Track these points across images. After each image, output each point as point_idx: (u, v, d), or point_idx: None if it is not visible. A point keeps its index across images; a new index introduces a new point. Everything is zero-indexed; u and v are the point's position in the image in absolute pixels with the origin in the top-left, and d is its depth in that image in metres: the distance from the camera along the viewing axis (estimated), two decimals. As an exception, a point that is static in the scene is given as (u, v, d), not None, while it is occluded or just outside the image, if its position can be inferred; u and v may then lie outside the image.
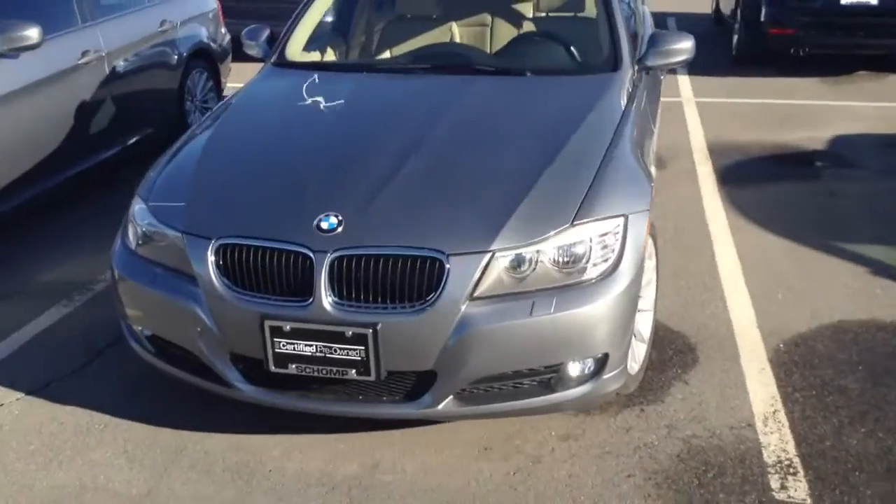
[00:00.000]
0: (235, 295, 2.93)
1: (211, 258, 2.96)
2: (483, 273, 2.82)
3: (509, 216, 2.92)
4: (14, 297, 4.40)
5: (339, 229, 2.90)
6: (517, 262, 2.86)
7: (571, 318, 2.87)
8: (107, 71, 5.38)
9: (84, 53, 5.19)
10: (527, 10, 4.73)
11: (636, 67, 4.05)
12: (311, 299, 2.85)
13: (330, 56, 4.59)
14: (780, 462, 3.08)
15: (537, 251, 2.87)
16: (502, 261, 2.85)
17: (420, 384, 2.93)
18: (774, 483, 2.98)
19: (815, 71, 9.02)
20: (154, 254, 3.18)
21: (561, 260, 2.89)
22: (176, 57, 6.15)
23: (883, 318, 4.06)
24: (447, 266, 2.80)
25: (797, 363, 3.69)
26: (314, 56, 4.49)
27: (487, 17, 4.71)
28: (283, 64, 4.32)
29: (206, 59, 6.59)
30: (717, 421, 3.31)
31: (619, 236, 2.99)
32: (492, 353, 2.85)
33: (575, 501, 2.91)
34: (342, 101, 3.76)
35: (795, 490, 2.95)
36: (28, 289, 4.50)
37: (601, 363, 2.99)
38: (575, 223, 2.94)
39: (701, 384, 3.55)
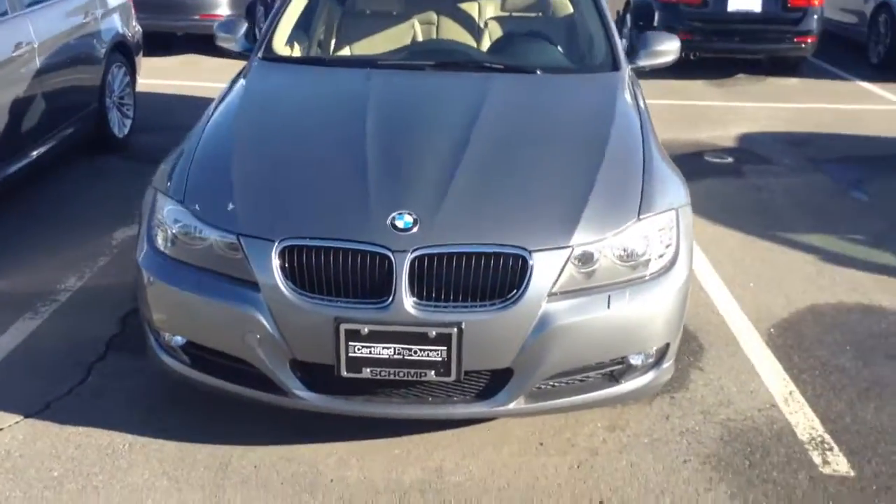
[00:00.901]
0: (305, 299, 2.79)
1: (276, 261, 2.81)
2: (562, 269, 2.83)
3: (581, 212, 2.94)
4: (-32, 312, 4.01)
5: (416, 228, 2.83)
6: (588, 258, 2.88)
7: (643, 310, 2.93)
8: (37, 65, 4.97)
9: (17, 46, 4.77)
10: (499, 8, 4.77)
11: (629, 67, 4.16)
12: (390, 300, 2.76)
13: (316, 51, 4.45)
14: (814, 439, 3.26)
15: (608, 246, 2.91)
16: (577, 256, 2.87)
17: (494, 382, 2.90)
18: (816, 459, 3.15)
19: (700, 74, 9.55)
20: (192, 257, 2.98)
21: (627, 254, 2.94)
22: (99, 50, 5.76)
23: (848, 301, 4.37)
24: (530, 262, 2.79)
25: (793, 346, 3.91)
26: (300, 51, 4.34)
27: (474, 9, 4.70)
28: (272, 58, 4.15)
29: (124, 53, 6.21)
30: (743, 404, 3.46)
31: (674, 229, 3.07)
32: (569, 349, 2.86)
33: (646, 490, 2.97)
34: (362, 96, 3.65)
35: (837, 464, 3.13)
36: (-19, 302, 4.11)
37: (661, 353, 3.07)
38: (640, 217, 3.00)
39: (716, 370, 3.70)
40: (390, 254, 2.77)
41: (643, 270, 2.96)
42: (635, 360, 3.02)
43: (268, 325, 2.82)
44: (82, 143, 5.81)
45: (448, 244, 2.80)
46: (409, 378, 2.83)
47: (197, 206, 3.02)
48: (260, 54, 4.16)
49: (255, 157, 3.24)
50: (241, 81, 3.95)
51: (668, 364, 3.11)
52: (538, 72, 4.00)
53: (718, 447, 3.19)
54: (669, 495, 2.94)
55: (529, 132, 3.44)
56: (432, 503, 2.88)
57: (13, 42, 4.76)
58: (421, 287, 2.78)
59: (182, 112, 6.89)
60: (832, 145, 7.11)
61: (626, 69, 4.08)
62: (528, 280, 2.79)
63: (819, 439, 3.26)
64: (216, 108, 3.72)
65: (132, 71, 6.40)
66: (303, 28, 4.38)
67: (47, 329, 3.89)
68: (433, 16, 4.66)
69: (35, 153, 5.07)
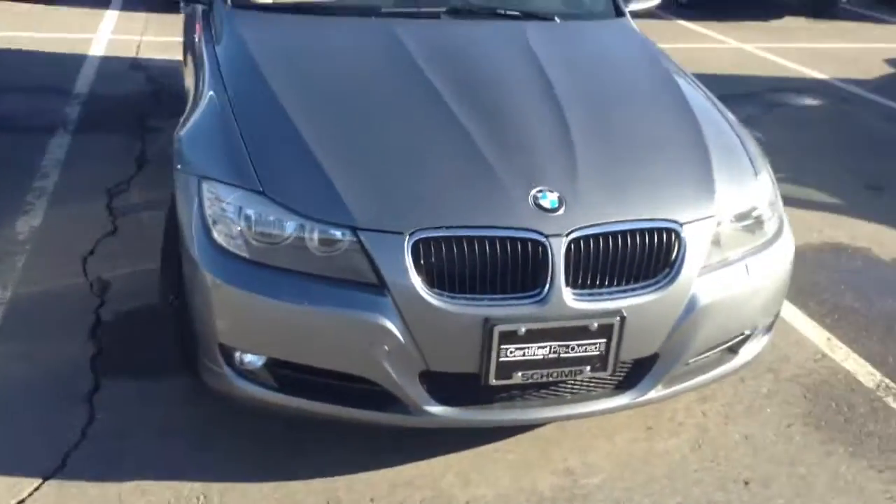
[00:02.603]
0: (446, 300, 2.37)
1: (409, 258, 2.35)
2: (709, 241, 2.60)
3: (712, 175, 2.72)
4: None
5: (563, 207, 2.47)
6: (723, 225, 2.68)
7: (773, 274, 2.79)
8: None
9: None
10: None
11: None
12: (546, 292, 2.40)
13: None
14: (879, 385, 3.31)
15: (735, 210, 2.71)
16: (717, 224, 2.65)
17: (636, 371, 2.64)
18: (893, 405, 3.20)
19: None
20: (274, 256, 2.44)
21: (752, 218, 2.76)
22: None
23: (816, 242, 4.50)
24: (683, 236, 2.54)
25: (800, 291, 3.95)
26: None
27: None
28: (245, 5, 3.50)
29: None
30: (799, 357, 3.45)
31: (775, 184, 2.95)
32: (714, 327, 2.66)
33: (777, 462, 2.86)
34: (402, 51, 3.14)
35: (914, 407, 3.20)
36: None
37: (773, 320, 2.95)
38: (757, 176, 2.84)
39: (754, 325, 3.66)
40: (544, 239, 2.41)
41: (761, 234, 2.80)
42: (754, 330, 2.88)
43: (399, 334, 2.37)
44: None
45: (602, 223, 2.48)
46: (562, 378, 2.50)
47: (288, 196, 2.45)
48: (228, 1, 3.48)
49: (332, 132, 2.69)
50: (226, 34, 3.29)
51: (772, 331, 2.99)
52: (556, 19, 3.67)
53: (809, 406, 3.15)
54: (802, 466, 2.85)
55: (605, 88, 3.17)
56: (584, 511, 2.60)
57: None
58: (577, 274, 2.44)
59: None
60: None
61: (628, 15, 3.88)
62: (682, 256, 2.53)
63: (883, 385, 3.31)
64: (215, 71, 3.07)
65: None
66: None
67: (6, 359, 3.09)
68: None
69: None
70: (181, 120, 3.03)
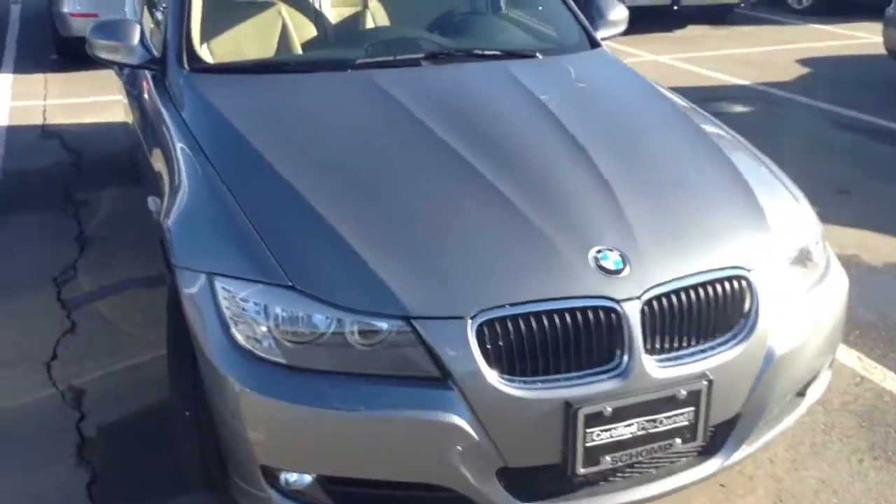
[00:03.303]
0: (520, 385, 2.09)
1: (474, 343, 2.06)
2: (776, 284, 2.39)
3: (762, 214, 2.53)
4: None
5: (627, 266, 2.22)
6: (785, 264, 2.48)
7: (835, 310, 2.61)
8: None
9: None
10: None
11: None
12: (626, 363, 2.14)
13: (255, 52, 3.46)
14: (924, 403, 3.17)
15: (791, 247, 2.52)
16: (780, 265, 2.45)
17: (720, 434, 2.40)
18: (946, 423, 3.06)
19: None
20: (317, 358, 2.12)
21: (805, 252, 2.57)
22: None
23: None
24: (753, 283, 2.32)
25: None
26: (229, 55, 3.33)
27: None
28: (205, 69, 3.12)
29: None
30: (840, 383, 3.26)
31: (815, 214, 2.77)
32: (791, 374, 2.45)
33: (859, 498, 2.67)
34: (397, 106, 2.83)
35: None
36: None
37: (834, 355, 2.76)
38: (800, 207, 2.69)
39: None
40: (616, 304, 2.15)
41: (815, 266, 2.61)
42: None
43: (471, 431, 2.07)
44: None
45: (672, 279, 2.24)
46: (653, 455, 2.24)
47: (323, 288, 2.12)
48: (185, 65, 3.11)
49: (354, 208, 2.36)
50: (192, 102, 2.92)
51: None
52: (538, 55, 3.42)
53: (868, 437, 3.00)
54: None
55: (622, 127, 2.94)
56: None
57: None
58: (654, 338, 2.19)
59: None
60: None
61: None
62: (756, 304, 2.32)
63: (924, 402, 3.18)
64: (192, 144, 2.71)
65: None
66: (211, 24, 3.34)
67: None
68: None
69: None
70: (163, 205, 2.65)
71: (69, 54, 8.01)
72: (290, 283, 2.14)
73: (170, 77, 3.11)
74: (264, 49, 3.53)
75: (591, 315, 2.13)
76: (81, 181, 5.31)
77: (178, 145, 2.78)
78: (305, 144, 2.68)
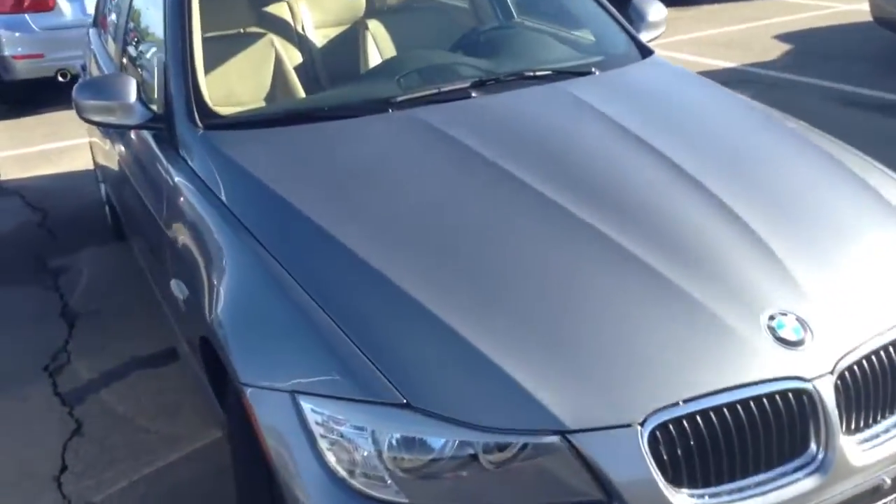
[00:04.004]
0: (709, 499, 1.68)
1: (646, 452, 1.64)
2: None
3: None
4: None
5: (807, 333, 1.82)
6: None
7: None
8: None
9: None
10: None
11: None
12: (825, 453, 1.75)
13: (274, 98, 3.00)
14: None
15: None
16: None
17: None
18: None
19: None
20: (449, 490, 1.68)
21: None
22: None
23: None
24: None
25: None
26: (244, 104, 2.86)
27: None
28: (222, 125, 2.63)
29: None
30: None
31: None
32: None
33: None
34: (469, 154, 2.37)
35: None
36: None
37: None
38: None
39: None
40: (807, 384, 1.75)
41: None
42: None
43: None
44: None
45: (862, 342, 1.84)
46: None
47: (448, 404, 1.68)
48: (200, 124, 2.61)
49: (456, 290, 1.90)
50: (217, 167, 2.44)
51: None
52: (595, 71, 2.98)
53: None
54: None
55: (734, 155, 2.47)
56: None
57: None
58: (850, 416, 1.80)
59: None
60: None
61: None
62: None
63: None
64: (230, 220, 2.23)
65: None
66: (209, 67, 2.85)
67: None
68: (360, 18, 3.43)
69: None
70: (206, 297, 2.17)
71: (15, 100, 7.43)
72: (405, 400, 1.69)
73: (181, 137, 2.62)
74: (264, 89, 3.08)
75: (778, 401, 1.73)
76: (54, 245, 4.77)
77: (208, 220, 2.30)
78: (373, 211, 2.19)
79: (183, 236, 2.48)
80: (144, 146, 2.95)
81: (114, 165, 3.70)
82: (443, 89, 2.74)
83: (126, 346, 3.64)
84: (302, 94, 3.07)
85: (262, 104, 3.04)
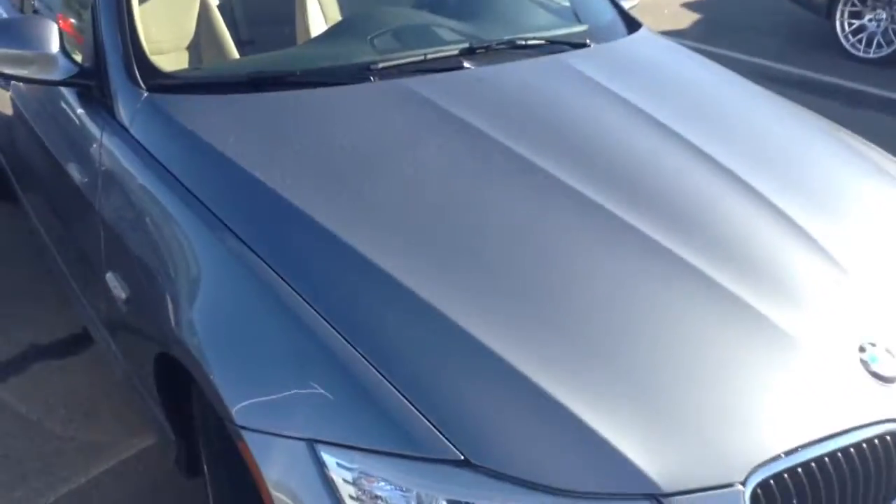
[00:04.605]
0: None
1: None
2: None
3: None
4: None
5: (892, 360, 1.60)
6: None
7: None
8: None
9: None
10: None
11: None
12: (917, 498, 1.55)
13: (179, 47, 2.51)
14: None
15: None
16: None
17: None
18: None
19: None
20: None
21: None
22: None
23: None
24: None
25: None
26: (167, 52, 2.41)
27: None
28: (168, 87, 2.18)
29: None
30: None
31: None
32: None
33: None
34: (475, 136, 2.02)
35: None
36: None
37: None
38: None
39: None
40: (901, 423, 1.54)
41: None
42: None
43: None
44: None
45: None
46: None
47: (514, 463, 1.37)
48: (140, 82, 2.16)
49: (502, 315, 1.56)
50: (170, 136, 2.01)
51: None
52: (590, 43, 2.66)
53: None
54: None
55: (763, 144, 2.24)
56: None
57: None
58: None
59: None
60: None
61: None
62: None
63: None
64: (203, 215, 1.81)
65: None
66: (165, 23, 2.39)
67: None
68: None
69: None
70: (163, 302, 1.77)
71: None
72: (462, 457, 1.37)
73: (117, 98, 2.16)
74: (187, 36, 2.62)
75: (878, 446, 1.51)
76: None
77: (168, 207, 1.88)
78: (383, 209, 1.80)
79: (125, 222, 2.04)
80: (56, 96, 2.47)
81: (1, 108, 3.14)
82: (429, 56, 2.36)
83: (23, 334, 3.14)
84: (231, 43, 2.65)
85: (186, 53, 2.61)
